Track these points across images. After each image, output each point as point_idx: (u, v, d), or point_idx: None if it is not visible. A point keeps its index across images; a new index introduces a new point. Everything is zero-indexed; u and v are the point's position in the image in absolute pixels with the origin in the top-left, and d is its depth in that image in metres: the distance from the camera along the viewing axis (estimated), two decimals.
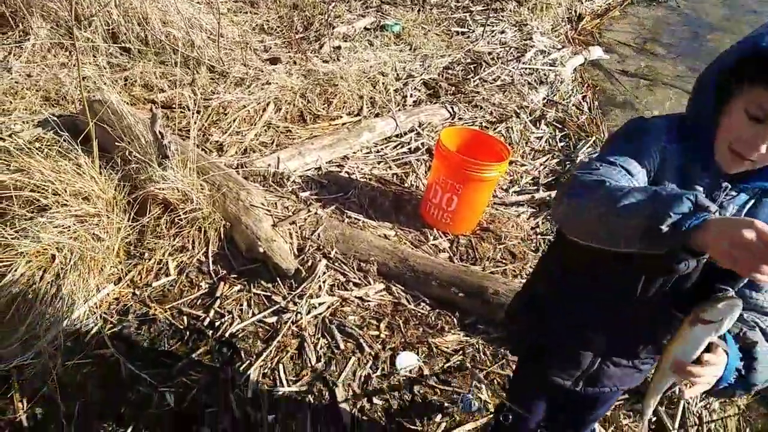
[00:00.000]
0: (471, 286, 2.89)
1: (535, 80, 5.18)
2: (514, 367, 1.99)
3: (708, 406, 2.62)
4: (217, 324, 2.64)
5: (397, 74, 4.97)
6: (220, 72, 4.39)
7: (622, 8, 7.61)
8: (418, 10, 6.29)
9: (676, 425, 2.51)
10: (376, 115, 4.34)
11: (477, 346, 2.77)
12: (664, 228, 0.92)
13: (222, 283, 2.83)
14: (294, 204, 3.35)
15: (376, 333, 2.77)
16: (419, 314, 2.89)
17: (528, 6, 6.42)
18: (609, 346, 1.43)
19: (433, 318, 2.88)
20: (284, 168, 3.58)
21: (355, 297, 2.94)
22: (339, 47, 5.24)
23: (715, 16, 8.82)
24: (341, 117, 4.31)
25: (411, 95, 4.72)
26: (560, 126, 4.68)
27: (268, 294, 2.85)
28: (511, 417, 1.81)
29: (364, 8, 6.13)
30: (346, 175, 3.75)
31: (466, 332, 2.83)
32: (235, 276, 2.88)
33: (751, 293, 1.22)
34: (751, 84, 1.03)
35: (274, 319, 2.72)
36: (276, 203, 3.29)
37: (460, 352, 2.73)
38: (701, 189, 1.17)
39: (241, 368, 2.46)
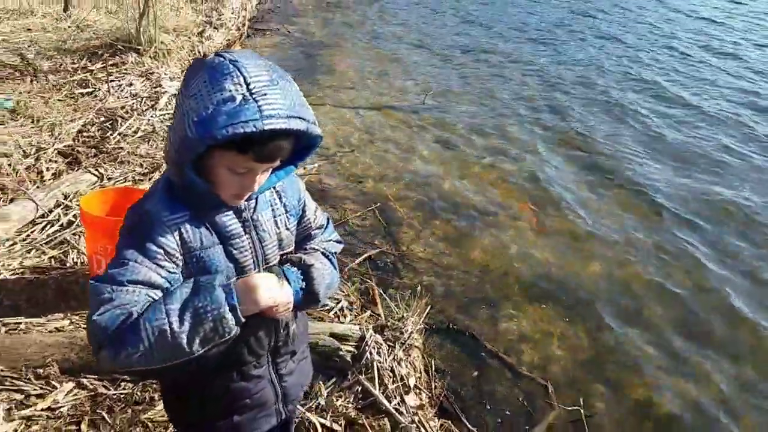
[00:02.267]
0: None
1: (164, 151, 5.13)
2: None
3: (395, 358, 2.95)
4: None
5: (24, 151, 4.41)
6: None
7: (241, 42, 8.08)
8: (31, 80, 5.69)
9: (377, 385, 2.75)
10: (11, 201, 3.79)
11: None
12: (230, 320, 1.18)
13: None
14: None
15: None
16: (123, 396, 2.61)
17: (149, 55, 6.34)
18: (274, 357, 1.52)
19: (138, 393, 2.63)
20: None
21: (42, 410, 2.51)
22: None
23: (320, 35, 10.13)
24: None
25: (47, 169, 4.24)
26: None
27: None
28: None
29: None
30: None
31: None
32: None
33: (315, 234, 1.58)
34: (225, 151, 1.19)
35: None
36: None
37: None
38: (233, 220, 1.35)
39: None
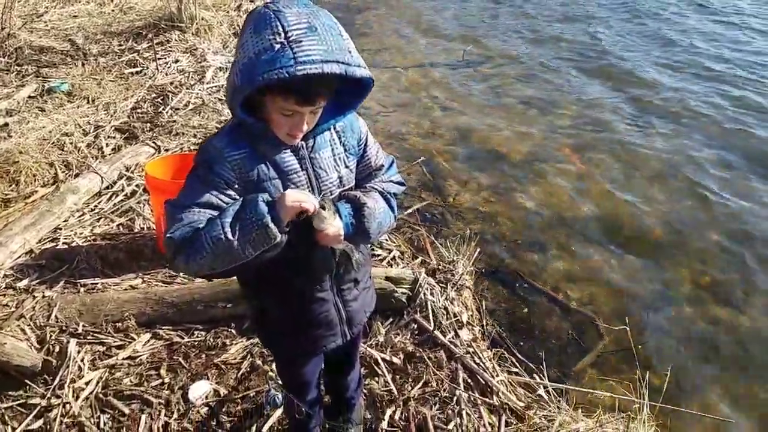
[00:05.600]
0: (234, 293, 2.90)
1: (224, 95, 5.30)
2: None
3: (448, 298, 3.04)
4: None
5: (84, 130, 4.65)
6: None
7: None
8: (83, 64, 5.93)
9: (432, 322, 2.86)
10: (76, 176, 4.03)
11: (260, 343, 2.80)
12: (272, 228, 1.31)
13: None
14: (14, 297, 2.97)
15: (159, 381, 2.63)
16: (197, 343, 2.82)
17: (191, 32, 6.49)
18: (338, 284, 1.65)
19: (211, 339, 2.83)
20: None
21: (123, 359, 2.74)
22: (6, 124, 4.70)
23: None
24: (36, 191, 3.90)
25: (107, 145, 4.48)
26: None
27: (22, 401, 2.50)
28: (304, 410, 1.94)
29: (20, 78, 5.57)
30: (65, 246, 3.42)
31: (247, 336, 2.84)
32: None
33: (376, 173, 1.65)
34: (272, 96, 1.32)
35: (39, 423, 2.41)
36: None
37: (248, 356, 2.74)
38: (290, 157, 1.45)
39: None
